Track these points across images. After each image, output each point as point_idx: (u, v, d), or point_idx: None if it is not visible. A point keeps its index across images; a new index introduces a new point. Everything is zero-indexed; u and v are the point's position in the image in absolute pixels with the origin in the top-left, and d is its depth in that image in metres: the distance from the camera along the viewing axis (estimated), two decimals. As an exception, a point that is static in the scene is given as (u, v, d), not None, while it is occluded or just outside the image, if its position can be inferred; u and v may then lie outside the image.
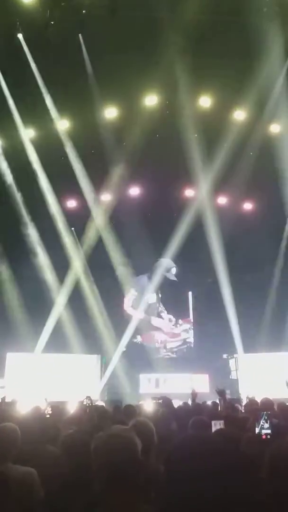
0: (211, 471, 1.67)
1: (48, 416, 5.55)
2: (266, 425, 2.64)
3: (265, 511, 1.70)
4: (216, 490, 1.61)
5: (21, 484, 2.49)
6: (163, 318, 16.12)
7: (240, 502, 1.68)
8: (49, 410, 6.14)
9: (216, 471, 1.67)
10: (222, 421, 3.79)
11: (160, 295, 16.17)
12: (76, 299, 14.26)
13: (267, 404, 5.10)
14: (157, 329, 16.01)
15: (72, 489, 2.22)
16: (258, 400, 5.99)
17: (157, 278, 15.56)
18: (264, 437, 2.66)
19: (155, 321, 16.02)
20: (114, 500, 1.76)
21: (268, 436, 2.62)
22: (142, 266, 15.54)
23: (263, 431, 2.68)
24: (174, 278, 15.93)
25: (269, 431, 2.64)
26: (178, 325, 16.12)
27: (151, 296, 16.03)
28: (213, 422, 3.60)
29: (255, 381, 13.09)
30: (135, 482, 1.81)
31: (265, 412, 2.72)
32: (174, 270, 15.91)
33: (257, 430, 2.65)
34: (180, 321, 16.14)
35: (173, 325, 16.11)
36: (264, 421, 2.64)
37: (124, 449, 1.88)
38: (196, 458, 1.73)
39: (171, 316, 16.17)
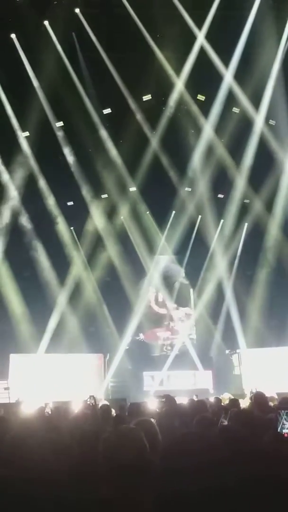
0: (208, 466, 1.63)
1: (47, 415, 5.50)
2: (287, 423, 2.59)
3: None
4: (213, 485, 1.58)
5: None
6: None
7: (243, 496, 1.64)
8: (48, 410, 6.10)
9: (214, 466, 1.64)
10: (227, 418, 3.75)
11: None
12: (77, 298, 14.24)
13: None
14: (161, 326, 15.94)
15: (78, 490, 2.19)
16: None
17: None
18: (286, 435, 2.63)
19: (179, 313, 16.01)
20: (123, 499, 1.77)
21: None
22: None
23: (284, 430, 2.65)
24: (187, 282, 15.93)
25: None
26: (181, 321, 16.06)
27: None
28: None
29: (258, 376, 13.02)
30: (145, 482, 1.82)
31: (284, 411, 2.65)
32: (183, 273, 15.91)
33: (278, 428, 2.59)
34: (182, 317, 16.08)
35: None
36: (285, 419, 2.59)
37: (135, 450, 1.92)
38: (193, 454, 1.69)
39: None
